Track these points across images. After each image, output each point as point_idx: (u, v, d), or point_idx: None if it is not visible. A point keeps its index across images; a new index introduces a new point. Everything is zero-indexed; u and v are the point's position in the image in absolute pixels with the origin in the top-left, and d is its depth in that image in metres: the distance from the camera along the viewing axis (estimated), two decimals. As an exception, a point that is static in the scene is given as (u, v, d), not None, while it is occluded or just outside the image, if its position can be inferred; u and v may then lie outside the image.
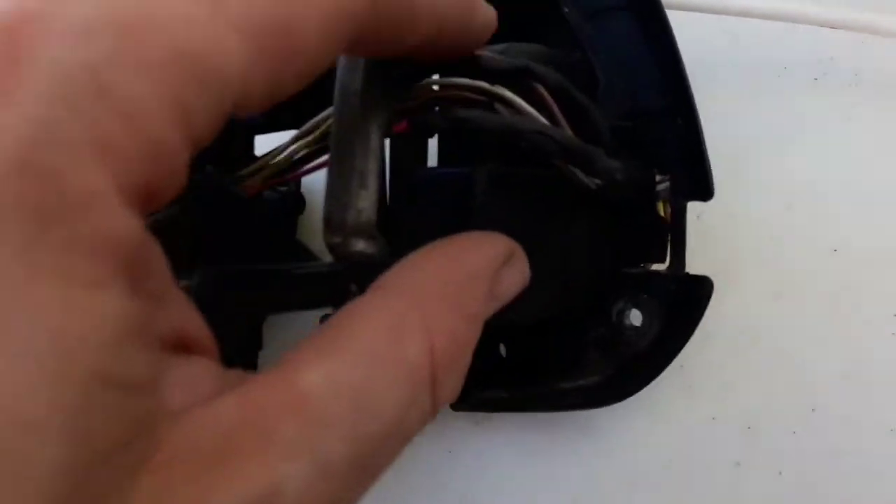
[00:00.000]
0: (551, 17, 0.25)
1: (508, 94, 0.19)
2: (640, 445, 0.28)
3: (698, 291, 0.23)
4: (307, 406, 0.12)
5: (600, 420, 0.28)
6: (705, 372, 0.28)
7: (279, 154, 0.24)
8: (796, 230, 0.28)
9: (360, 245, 0.18)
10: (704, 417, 0.27)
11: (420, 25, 0.14)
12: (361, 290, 0.16)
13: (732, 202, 0.28)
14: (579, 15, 0.24)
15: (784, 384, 0.27)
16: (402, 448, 0.14)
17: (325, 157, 0.23)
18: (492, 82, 0.19)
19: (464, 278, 0.16)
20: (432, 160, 0.26)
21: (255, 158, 0.25)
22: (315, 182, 0.29)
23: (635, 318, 0.25)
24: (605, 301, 0.25)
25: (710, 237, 0.28)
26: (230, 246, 0.23)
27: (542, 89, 0.19)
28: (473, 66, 0.18)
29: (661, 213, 0.24)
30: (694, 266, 0.24)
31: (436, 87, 0.19)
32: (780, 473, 0.27)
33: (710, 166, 0.23)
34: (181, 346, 0.12)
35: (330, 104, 0.17)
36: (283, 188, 0.30)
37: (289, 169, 0.24)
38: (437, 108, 0.20)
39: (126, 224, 0.10)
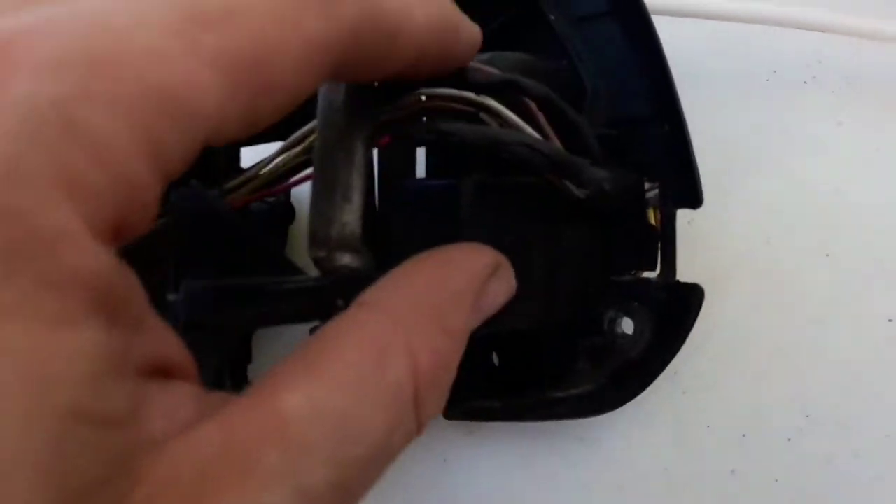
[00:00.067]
0: (537, 25, 0.25)
1: (494, 104, 0.19)
2: (635, 453, 0.28)
3: (689, 299, 0.23)
4: (289, 432, 0.12)
5: (594, 428, 0.28)
6: (699, 379, 0.27)
7: (265, 166, 0.24)
8: (788, 235, 0.28)
9: (346, 259, 0.17)
10: (699, 425, 0.27)
11: (402, 52, 0.14)
12: (347, 304, 0.16)
13: (724, 207, 0.28)
14: (565, 22, 0.24)
15: (778, 391, 0.27)
16: (386, 468, 0.14)
17: (311, 170, 0.22)
18: (478, 93, 0.19)
19: (448, 293, 0.16)
20: (421, 171, 0.26)
21: (241, 171, 0.25)
22: (305, 192, 0.29)
23: (627, 326, 0.24)
24: (596, 309, 0.24)
25: (701, 243, 0.28)
26: (216, 260, 0.22)
27: (529, 101, 0.19)
28: (460, 81, 0.17)
29: (652, 221, 0.23)
30: (686, 272, 0.24)
31: (423, 98, 0.19)
32: (776, 481, 0.26)
33: (698, 174, 0.23)
34: (160, 372, 0.12)
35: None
36: (272, 199, 0.30)
37: (275, 181, 0.24)
38: (423, 119, 0.20)
39: (96, 260, 0.10)
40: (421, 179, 0.25)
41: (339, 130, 0.17)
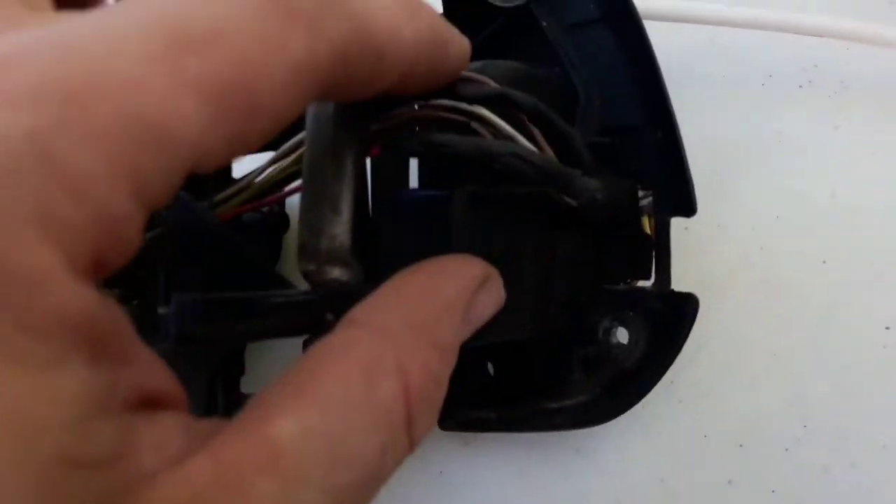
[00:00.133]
0: (530, 32, 0.24)
1: (487, 113, 0.19)
2: (632, 464, 0.27)
3: (684, 309, 0.23)
4: (281, 460, 0.12)
5: (591, 438, 0.28)
6: (695, 388, 0.27)
7: (256, 177, 0.24)
8: (785, 241, 0.28)
9: (335, 272, 0.17)
10: (696, 435, 0.27)
11: (391, 71, 0.14)
12: (337, 318, 0.15)
13: (720, 214, 0.28)
14: (558, 29, 0.24)
15: (775, 400, 0.27)
16: (380, 489, 0.14)
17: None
18: (470, 103, 0.19)
19: (437, 309, 0.16)
20: (414, 181, 0.26)
21: (232, 181, 0.24)
22: (299, 201, 0.29)
23: (622, 335, 0.24)
24: (590, 319, 0.24)
25: (697, 249, 0.28)
26: (207, 272, 0.22)
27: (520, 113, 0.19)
28: (451, 94, 0.17)
29: (646, 228, 0.23)
30: (683, 279, 0.24)
31: (415, 107, 0.19)
32: (773, 492, 0.26)
33: (692, 182, 0.22)
34: (149, 403, 0.12)
35: (310, 123, 0.17)
36: (265, 209, 0.30)
37: (266, 192, 0.24)
38: (416, 128, 0.19)
39: (76, 297, 0.10)
40: (413, 190, 0.25)
41: (328, 142, 0.17)
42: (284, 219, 0.31)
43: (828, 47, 0.28)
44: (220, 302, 0.20)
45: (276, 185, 0.24)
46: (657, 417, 0.27)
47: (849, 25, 0.26)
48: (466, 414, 0.25)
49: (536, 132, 0.20)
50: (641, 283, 0.24)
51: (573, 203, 0.20)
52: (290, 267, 0.30)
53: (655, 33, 0.23)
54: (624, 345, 0.24)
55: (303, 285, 0.18)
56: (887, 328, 0.26)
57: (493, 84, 0.18)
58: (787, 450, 0.26)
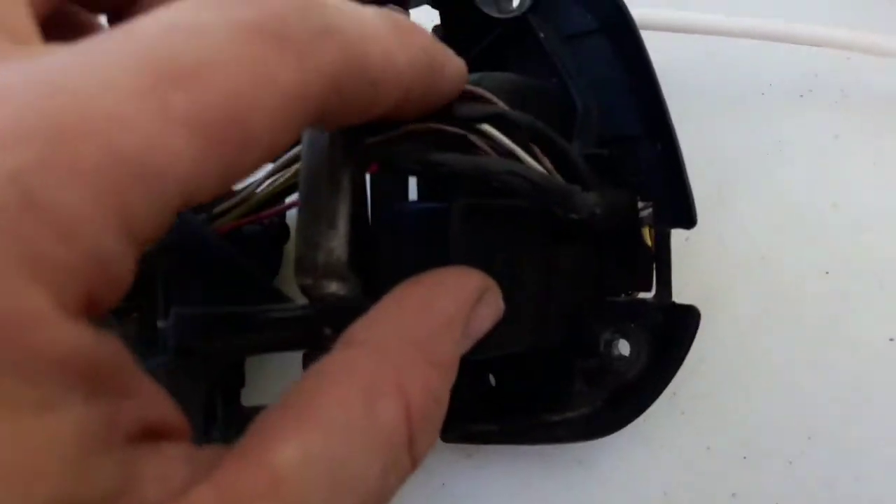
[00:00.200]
0: (527, 43, 0.24)
1: (486, 127, 0.19)
2: (635, 477, 0.27)
3: (686, 321, 0.23)
4: (282, 486, 0.12)
5: (594, 451, 0.27)
6: (698, 400, 0.27)
7: (254, 189, 0.24)
8: (787, 252, 0.27)
9: (332, 287, 0.17)
10: (699, 447, 0.27)
11: (385, 98, 0.14)
12: (336, 332, 0.15)
13: (721, 224, 0.28)
14: (555, 40, 0.24)
15: (779, 412, 0.26)
16: None
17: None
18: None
19: (437, 325, 0.16)
20: (413, 193, 0.26)
21: (231, 193, 0.24)
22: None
23: (623, 347, 0.24)
24: (592, 331, 0.24)
25: (699, 260, 0.27)
26: (205, 286, 0.22)
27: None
28: (447, 116, 0.17)
29: (647, 240, 0.23)
30: (684, 290, 0.24)
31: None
32: (777, 504, 0.26)
33: (691, 194, 0.22)
34: (152, 434, 0.12)
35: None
36: (266, 220, 0.30)
37: (264, 205, 0.24)
38: (413, 142, 0.19)
39: (70, 336, 0.10)
40: (412, 202, 0.25)
41: (324, 158, 0.17)
42: (285, 229, 0.31)
43: (828, 57, 0.28)
44: (219, 316, 0.20)
45: (274, 197, 0.24)
46: (660, 429, 0.27)
47: (850, 35, 0.26)
48: (468, 426, 0.25)
49: (536, 150, 0.20)
50: (642, 295, 0.24)
51: (574, 217, 0.20)
52: (291, 279, 0.30)
53: (654, 44, 0.23)
54: (626, 357, 0.24)
55: (302, 299, 0.18)
56: (891, 339, 0.26)
57: (490, 98, 0.18)
58: (790, 462, 0.26)
